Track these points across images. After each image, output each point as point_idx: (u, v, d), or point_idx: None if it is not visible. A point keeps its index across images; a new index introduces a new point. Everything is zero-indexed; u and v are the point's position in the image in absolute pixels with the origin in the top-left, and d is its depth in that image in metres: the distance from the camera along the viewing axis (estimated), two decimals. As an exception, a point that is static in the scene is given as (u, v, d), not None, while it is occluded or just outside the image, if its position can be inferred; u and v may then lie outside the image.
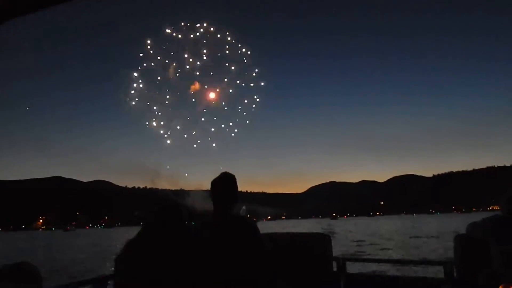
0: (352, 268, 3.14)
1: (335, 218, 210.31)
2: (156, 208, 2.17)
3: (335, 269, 3.07)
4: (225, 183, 2.38)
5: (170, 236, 2.04)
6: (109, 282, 2.46)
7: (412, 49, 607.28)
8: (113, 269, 2.13)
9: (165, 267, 1.93)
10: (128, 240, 2.11)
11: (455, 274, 2.79)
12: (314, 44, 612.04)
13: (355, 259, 3.64)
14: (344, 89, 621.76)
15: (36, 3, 1.32)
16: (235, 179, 2.43)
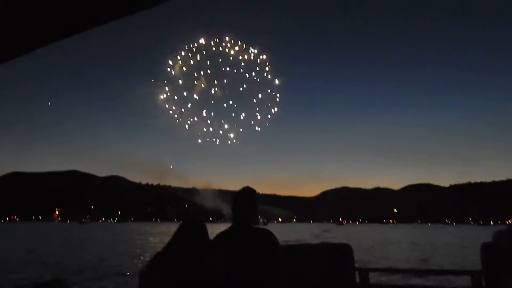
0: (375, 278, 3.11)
1: (341, 223, 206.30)
2: (181, 224, 2.24)
3: (357, 280, 3.04)
4: (246, 197, 2.47)
5: (195, 252, 2.09)
6: None
7: (432, 56, 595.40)
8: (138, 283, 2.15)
9: (190, 282, 1.98)
10: (153, 255, 2.16)
11: (483, 284, 2.72)
12: (333, 49, 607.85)
13: (378, 269, 3.61)
14: (361, 95, 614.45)
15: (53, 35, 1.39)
16: (256, 193, 2.53)
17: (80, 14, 1.36)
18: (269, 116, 49.64)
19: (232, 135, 49.93)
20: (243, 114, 47.96)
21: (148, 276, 2.08)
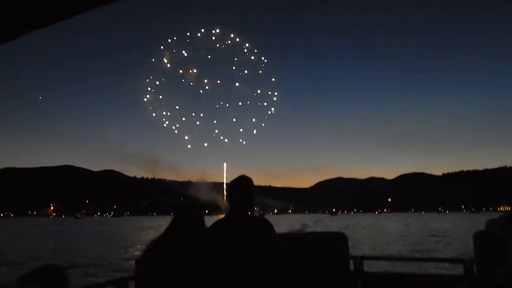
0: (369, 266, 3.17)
1: (335, 214, 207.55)
2: (178, 212, 2.24)
3: (352, 268, 3.07)
4: (242, 186, 2.45)
5: (191, 239, 2.09)
6: (129, 283, 2.52)
7: (425, 48, 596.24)
8: (134, 270, 2.17)
9: (186, 269, 1.97)
10: (149, 242, 2.15)
11: (474, 272, 2.75)
12: (329, 39, 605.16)
13: (373, 257, 3.64)
14: (353, 86, 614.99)
15: (53, 16, 1.35)
16: (251, 181, 2.51)
17: None
18: (266, 117, 48.24)
19: (226, 140, 48.46)
20: (235, 118, 46.46)
21: (143, 262, 2.07)
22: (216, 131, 47.23)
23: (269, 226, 2.36)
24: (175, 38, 43.79)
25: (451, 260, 4.03)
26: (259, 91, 46.05)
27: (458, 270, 2.83)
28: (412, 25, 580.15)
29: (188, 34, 43.58)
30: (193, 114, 46.00)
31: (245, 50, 43.91)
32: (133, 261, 2.14)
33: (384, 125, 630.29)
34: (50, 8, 1.30)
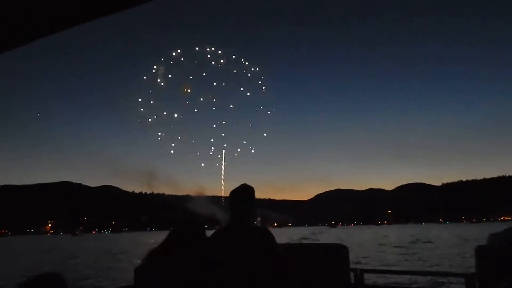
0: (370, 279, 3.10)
1: (333, 226, 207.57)
2: (178, 222, 2.24)
3: (352, 280, 3.06)
4: (243, 194, 2.46)
5: (191, 248, 2.08)
6: None
7: (424, 57, 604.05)
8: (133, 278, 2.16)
9: (186, 278, 1.96)
10: (148, 251, 2.15)
11: (476, 286, 2.73)
12: (327, 49, 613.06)
13: (374, 270, 3.62)
14: (349, 96, 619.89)
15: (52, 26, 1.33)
16: (253, 190, 2.50)
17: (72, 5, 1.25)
18: (264, 134, 48.57)
19: (224, 161, 48.93)
20: (232, 137, 46.89)
21: (143, 271, 2.07)
22: (213, 149, 47.43)
23: (270, 235, 2.35)
24: (169, 56, 44.42)
25: (453, 274, 4.00)
26: (256, 110, 46.68)
27: (460, 284, 2.80)
28: (411, 34, 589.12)
29: (183, 51, 44.26)
30: (188, 135, 46.25)
31: (241, 67, 44.62)
32: (132, 272, 2.16)
33: (382, 135, 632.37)
34: (48, 17, 1.28)
